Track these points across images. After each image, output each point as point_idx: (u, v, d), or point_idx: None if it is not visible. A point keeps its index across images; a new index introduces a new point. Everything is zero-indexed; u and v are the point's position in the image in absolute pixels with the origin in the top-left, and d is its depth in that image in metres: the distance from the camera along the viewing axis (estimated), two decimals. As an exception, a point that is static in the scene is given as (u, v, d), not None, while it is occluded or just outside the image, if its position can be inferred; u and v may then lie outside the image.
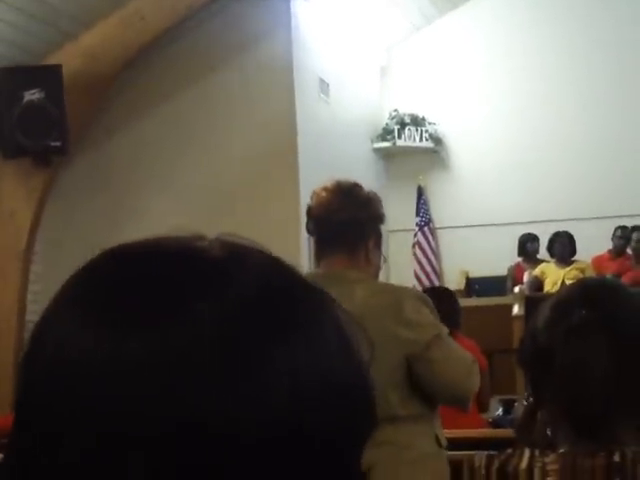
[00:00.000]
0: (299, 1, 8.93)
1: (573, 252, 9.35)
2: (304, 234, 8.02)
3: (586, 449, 1.66)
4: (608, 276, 8.12)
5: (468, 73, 11.27)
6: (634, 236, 9.03)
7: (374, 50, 10.96)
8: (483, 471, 1.79)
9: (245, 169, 8.66)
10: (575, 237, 9.44)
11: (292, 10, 8.79)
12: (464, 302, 7.59)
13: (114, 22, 7.99)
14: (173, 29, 8.44)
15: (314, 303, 0.72)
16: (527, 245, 9.96)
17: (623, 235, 9.56)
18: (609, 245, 9.84)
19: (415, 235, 10.90)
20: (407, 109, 11.15)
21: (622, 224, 9.80)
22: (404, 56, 11.44)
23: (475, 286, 10.37)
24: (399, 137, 11.04)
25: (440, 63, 11.34)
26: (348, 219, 3.09)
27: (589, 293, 1.75)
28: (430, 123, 11.17)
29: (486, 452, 1.85)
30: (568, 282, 8.99)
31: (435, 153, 11.32)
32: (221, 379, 0.65)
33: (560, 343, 1.70)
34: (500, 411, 6.47)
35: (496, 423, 6.28)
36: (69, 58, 7.88)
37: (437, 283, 10.30)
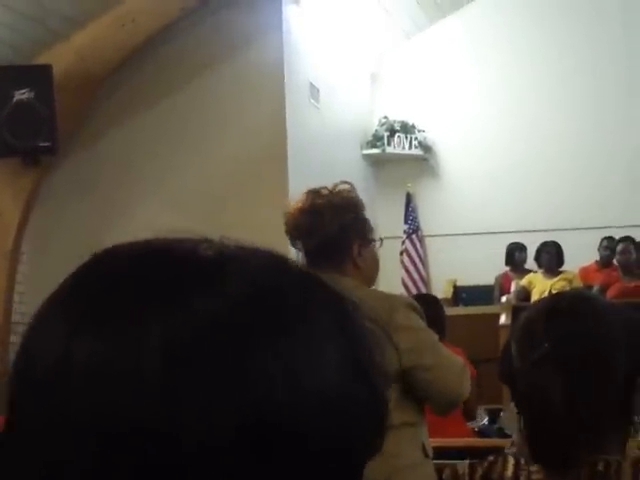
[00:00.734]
0: (290, 6, 8.93)
1: (560, 262, 9.35)
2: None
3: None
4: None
5: (458, 81, 11.29)
6: (619, 248, 9.03)
7: (365, 56, 10.97)
8: (467, 478, 1.79)
9: (235, 173, 8.65)
10: (563, 247, 9.44)
11: (283, 15, 8.78)
12: (451, 311, 7.60)
13: (106, 23, 7.97)
14: (164, 32, 8.43)
15: (312, 304, 0.69)
16: (515, 255, 9.96)
17: (609, 246, 9.58)
18: (597, 256, 9.86)
19: (403, 243, 10.90)
20: (397, 116, 11.16)
21: (609, 235, 9.82)
22: (394, 63, 11.46)
23: (462, 295, 10.37)
24: (388, 144, 11.05)
25: (430, 71, 11.36)
26: (320, 241, 3.10)
27: (553, 318, 1.74)
28: (420, 130, 11.19)
29: (469, 461, 1.86)
30: (556, 292, 9.01)
31: (424, 161, 11.33)
32: (207, 378, 0.64)
33: (520, 371, 1.72)
34: (486, 420, 6.46)
35: (482, 432, 6.28)
36: (60, 58, 7.86)
37: (424, 291, 10.29)
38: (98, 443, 0.63)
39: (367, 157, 11.12)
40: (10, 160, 7.85)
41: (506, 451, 1.78)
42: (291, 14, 8.93)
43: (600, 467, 1.65)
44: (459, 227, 11.05)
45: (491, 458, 1.77)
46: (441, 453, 3.78)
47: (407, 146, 11.15)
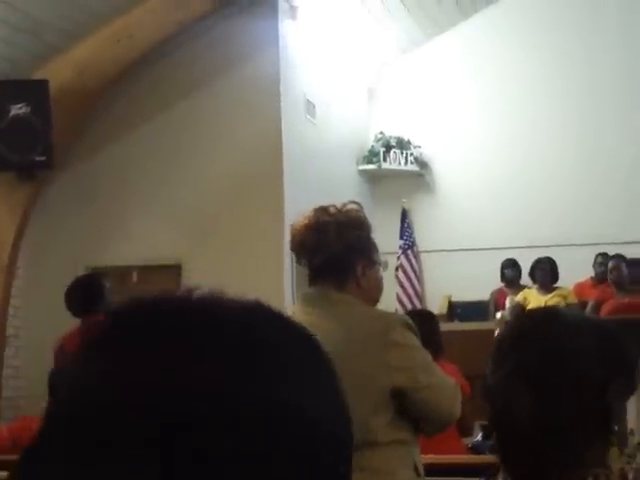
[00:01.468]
0: (287, 21, 8.95)
1: (555, 278, 9.34)
2: (288, 254, 8.03)
3: None
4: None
5: (454, 97, 11.31)
6: (609, 266, 9.03)
7: (361, 72, 10.99)
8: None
9: (231, 188, 8.65)
10: (559, 263, 9.44)
11: (280, 30, 8.80)
12: (446, 326, 7.59)
13: (103, 38, 7.99)
14: (161, 47, 8.45)
15: (293, 351, 0.74)
16: (505, 271, 9.99)
17: (604, 262, 9.57)
18: (593, 272, 9.87)
19: (398, 258, 10.89)
20: (393, 132, 11.18)
21: (604, 251, 9.83)
22: (391, 79, 11.48)
23: (458, 310, 10.37)
24: (384, 160, 11.06)
25: (426, 87, 11.38)
26: (324, 258, 3.09)
27: (519, 335, 1.75)
28: (415, 146, 11.21)
29: (463, 479, 1.86)
30: (550, 308, 9.01)
31: (420, 177, 11.34)
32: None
33: (491, 388, 1.71)
34: (480, 436, 6.44)
35: (476, 448, 6.26)
36: (57, 72, 7.88)
37: (420, 307, 10.30)
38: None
39: (363, 173, 11.13)
40: (6, 174, 7.86)
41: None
42: (287, 30, 8.95)
43: None
44: (454, 243, 11.06)
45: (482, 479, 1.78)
46: (434, 470, 3.77)
47: (403, 162, 11.17)
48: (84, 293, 6.06)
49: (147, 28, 8.06)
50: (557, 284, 9.34)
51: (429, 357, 3.13)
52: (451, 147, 11.26)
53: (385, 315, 3.18)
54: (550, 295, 9.17)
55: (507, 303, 9.37)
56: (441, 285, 10.81)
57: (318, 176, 9.37)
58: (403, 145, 11.17)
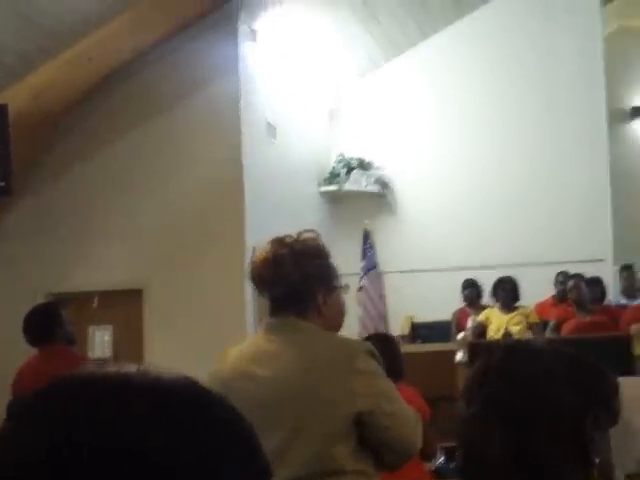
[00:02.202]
0: (247, 44, 8.96)
1: (516, 298, 9.39)
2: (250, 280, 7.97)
3: None
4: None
5: (414, 118, 11.37)
6: (569, 285, 9.09)
7: (322, 94, 11.02)
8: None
9: (192, 212, 8.63)
10: (521, 283, 9.48)
11: (240, 53, 8.81)
12: (408, 348, 7.60)
13: (61, 62, 7.93)
14: (120, 71, 8.42)
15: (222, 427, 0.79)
16: (465, 291, 10.03)
17: (564, 281, 9.64)
18: (554, 290, 9.93)
19: (360, 279, 10.89)
20: (354, 153, 11.22)
21: (564, 269, 9.89)
22: (351, 100, 11.53)
23: (420, 331, 10.38)
24: (346, 181, 11.08)
25: (386, 108, 11.44)
26: (283, 290, 3.10)
27: (486, 374, 1.71)
28: (377, 167, 11.24)
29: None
30: (512, 327, 9.05)
31: (381, 197, 11.38)
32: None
33: (461, 431, 1.70)
34: (442, 459, 6.44)
35: (438, 472, 6.25)
36: (15, 97, 7.81)
37: (382, 328, 10.30)
38: None
39: (324, 194, 11.14)
40: (-37, 200, 7.79)
41: None
42: (248, 52, 8.96)
43: None
44: (417, 263, 11.09)
45: None
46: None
47: (364, 183, 11.20)
48: (41, 322, 6.00)
49: (106, 53, 8.03)
50: (518, 303, 9.38)
51: (392, 385, 3.14)
52: (412, 168, 11.31)
53: (348, 342, 3.18)
54: (512, 314, 9.21)
55: (469, 323, 9.40)
56: (404, 306, 10.84)
57: (280, 197, 9.37)
58: (364, 166, 11.20)
